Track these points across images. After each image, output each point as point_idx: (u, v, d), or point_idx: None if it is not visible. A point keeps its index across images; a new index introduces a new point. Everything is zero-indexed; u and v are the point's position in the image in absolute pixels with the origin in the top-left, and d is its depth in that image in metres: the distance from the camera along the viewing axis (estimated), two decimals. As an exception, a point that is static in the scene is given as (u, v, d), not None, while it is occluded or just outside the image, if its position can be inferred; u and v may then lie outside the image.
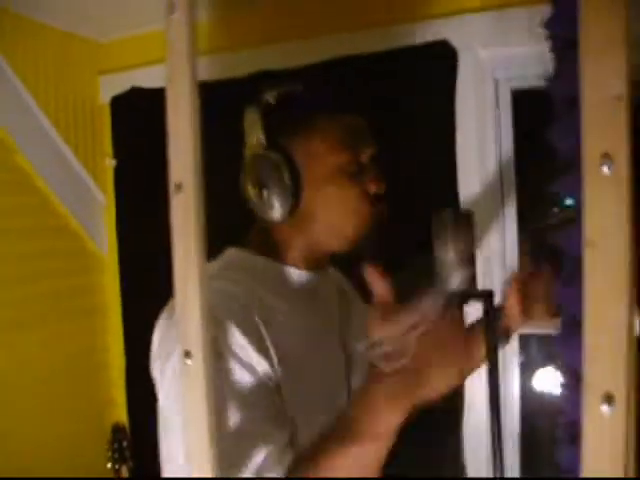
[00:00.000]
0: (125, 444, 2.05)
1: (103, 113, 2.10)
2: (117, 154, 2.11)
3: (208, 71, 1.98)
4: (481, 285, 1.56)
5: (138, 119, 2.04)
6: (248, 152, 1.06)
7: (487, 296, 0.91)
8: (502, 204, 1.72)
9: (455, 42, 1.65)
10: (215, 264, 1.07)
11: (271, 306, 1.01)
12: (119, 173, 2.11)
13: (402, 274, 1.03)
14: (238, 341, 0.92)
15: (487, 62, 1.66)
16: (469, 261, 0.91)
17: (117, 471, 2.01)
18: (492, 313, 0.91)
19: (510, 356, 1.74)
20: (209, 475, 0.70)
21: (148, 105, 2.19)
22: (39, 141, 1.90)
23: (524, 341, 1.77)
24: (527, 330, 1.68)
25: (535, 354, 1.80)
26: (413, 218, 1.43)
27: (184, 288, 0.72)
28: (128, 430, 2.09)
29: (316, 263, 1.13)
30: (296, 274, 1.09)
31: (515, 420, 1.73)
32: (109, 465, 2.01)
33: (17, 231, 1.84)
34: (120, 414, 2.12)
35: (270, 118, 1.04)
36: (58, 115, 1.95)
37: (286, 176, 1.01)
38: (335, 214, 1.05)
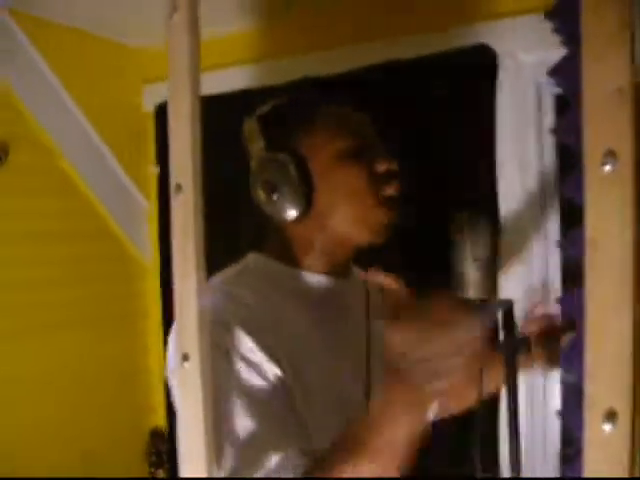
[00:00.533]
0: (163, 448, 2.07)
1: (147, 121, 2.14)
2: (160, 161, 2.15)
3: (251, 79, 2.00)
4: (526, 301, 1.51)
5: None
6: (253, 162, 1.06)
7: (506, 306, 0.87)
8: (544, 216, 1.65)
9: (495, 46, 1.61)
10: (233, 268, 1.08)
11: (285, 313, 1.00)
12: (162, 180, 2.15)
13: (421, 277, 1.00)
14: (247, 345, 0.91)
15: (529, 66, 1.61)
16: (488, 267, 0.87)
17: (154, 475, 2.03)
18: (511, 324, 0.88)
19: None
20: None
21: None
22: (84, 148, 1.96)
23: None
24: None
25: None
26: (445, 230, 1.39)
27: (182, 287, 0.72)
28: (166, 435, 2.11)
29: (338, 266, 1.10)
30: (315, 279, 1.07)
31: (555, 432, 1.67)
32: (147, 469, 2.03)
33: (61, 235, 1.89)
34: (159, 419, 2.14)
35: (268, 124, 1.05)
36: (103, 122, 2.00)
37: (292, 172, 1.00)
38: (347, 201, 1.02)
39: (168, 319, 2.18)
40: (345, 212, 1.03)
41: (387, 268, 1.01)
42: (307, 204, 1.01)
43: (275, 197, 1.01)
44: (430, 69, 1.70)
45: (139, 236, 2.13)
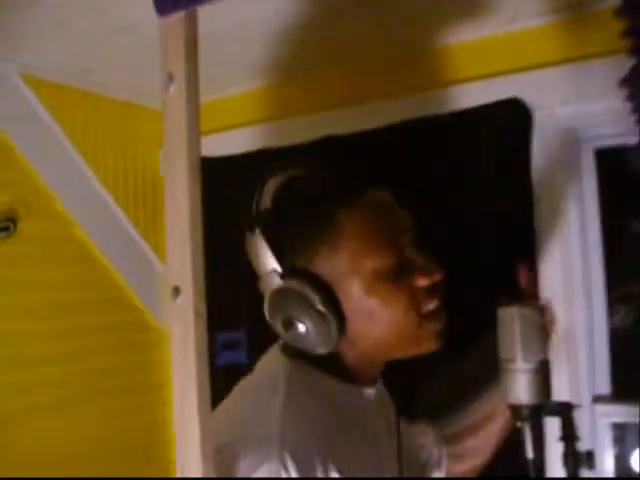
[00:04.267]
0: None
1: (163, 184, 2.06)
2: (177, 225, 2.06)
3: (271, 137, 1.91)
4: (566, 395, 1.35)
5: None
6: (265, 286, 0.87)
7: (564, 410, 0.75)
8: (588, 286, 1.51)
9: (528, 99, 1.50)
10: (272, 379, 0.91)
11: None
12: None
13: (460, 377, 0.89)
14: None
15: (566, 120, 1.49)
16: (541, 367, 0.75)
17: None
18: (571, 429, 0.75)
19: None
20: None
21: (207, 175, 2.15)
22: (98, 214, 1.88)
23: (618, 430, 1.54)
24: (620, 419, 1.46)
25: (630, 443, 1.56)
26: (475, 306, 1.26)
27: (182, 409, 0.61)
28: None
29: (368, 375, 0.97)
30: (346, 390, 0.94)
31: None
32: None
33: (75, 304, 1.79)
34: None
35: (276, 230, 0.86)
36: (117, 187, 1.93)
37: (319, 305, 0.83)
38: (386, 327, 0.88)
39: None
40: (384, 338, 0.89)
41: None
42: (338, 339, 0.86)
43: (299, 332, 0.84)
44: (456, 126, 1.58)
45: (156, 304, 2.03)
